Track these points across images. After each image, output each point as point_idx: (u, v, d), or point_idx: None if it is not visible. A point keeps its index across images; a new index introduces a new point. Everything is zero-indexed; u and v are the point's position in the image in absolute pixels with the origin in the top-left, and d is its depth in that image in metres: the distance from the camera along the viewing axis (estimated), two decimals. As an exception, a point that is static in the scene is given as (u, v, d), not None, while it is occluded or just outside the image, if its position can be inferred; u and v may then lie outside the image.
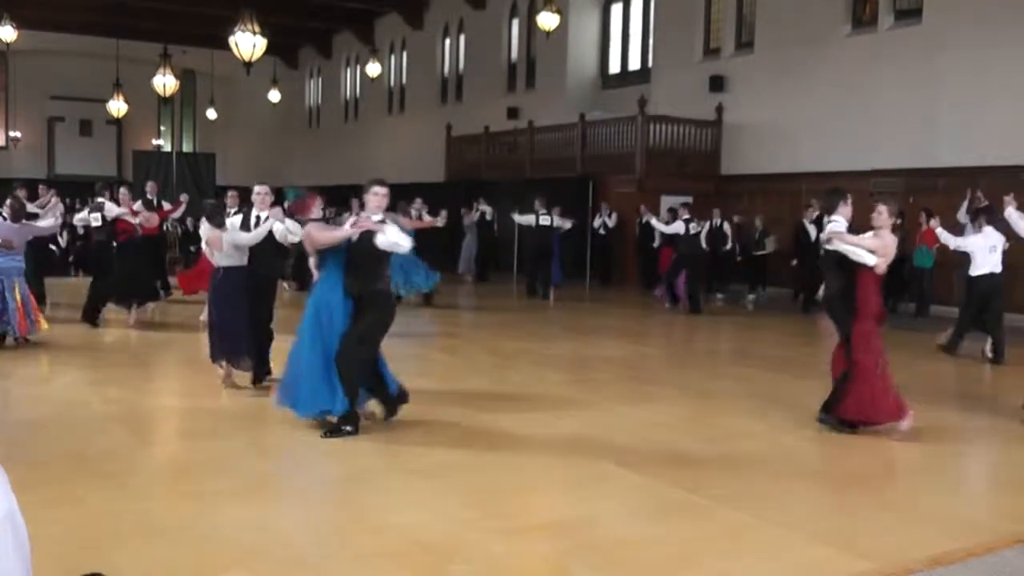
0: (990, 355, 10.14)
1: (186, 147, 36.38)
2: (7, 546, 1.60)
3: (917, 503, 5.20)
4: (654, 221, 15.80)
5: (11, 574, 1.63)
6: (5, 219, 9.65)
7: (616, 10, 22.97)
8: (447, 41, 28.02)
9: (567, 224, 16.94)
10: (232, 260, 7.45)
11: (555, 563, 4.18)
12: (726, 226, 17.58)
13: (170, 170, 29.46)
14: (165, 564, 3.99)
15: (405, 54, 29.86)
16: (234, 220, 7.77)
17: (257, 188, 7.85)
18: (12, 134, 33.96)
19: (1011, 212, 9.59)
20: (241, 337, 7.45)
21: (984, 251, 10.00)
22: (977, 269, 10.04)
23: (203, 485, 5.16)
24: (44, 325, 9.78)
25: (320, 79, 35.82)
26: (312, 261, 6.62)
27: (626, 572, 4.04)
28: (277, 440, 6.38)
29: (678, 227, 15.01)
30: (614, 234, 19.29)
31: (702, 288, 15.44)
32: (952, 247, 10.54)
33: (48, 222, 11.24)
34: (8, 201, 9.91)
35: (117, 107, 26.86)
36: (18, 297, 9.33)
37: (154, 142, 35.60)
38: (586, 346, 11.32)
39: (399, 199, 18.01)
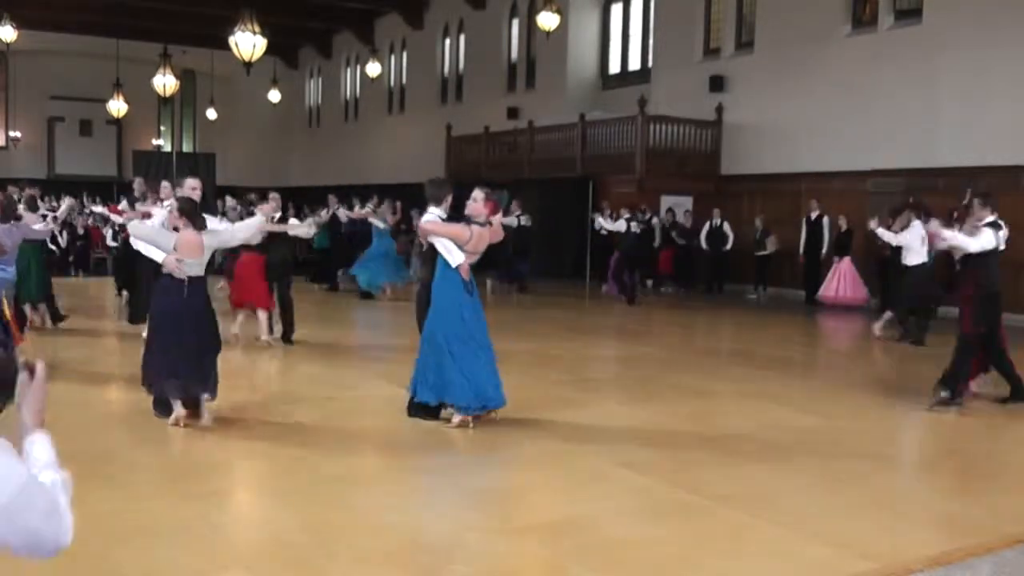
0: (893, 333, 11.71)
1: (186, 147, 36.37)
2: (33, 511, 1.73)
3: (917, 503, 5.20)
4: (599, 219, 16.55)
5: (40, 535, 1.77)
6: None
7: (616, 10, 22.96)
8: (447, 41, 28.02)
9: (528, 222, 17.91)
10: (200, 269, 6.36)
11: (555, 563, 4.18)
12: (726, 226, 17.65)
13: (170, 170, 29.46)
14: (165, 564, 3.99)
15: (405, 54, 29.85)
16: (155, 221, 7.08)
17: (191, 181, 7.15)
18: (12, 134, 33.95)
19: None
20: (210, 360, 6.43)
21: (917, 243, 11.17)
22: (912, 260, 11.27)
23: (203, 485, 5.16)
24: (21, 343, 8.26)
25: (320, 79, 35.80)
26: (462, 260, 6.47)
27: (626, 572, 4.04)
28: (276, 440, 6.38)
29: (620, 226, 16.04)
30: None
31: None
32: (893, 243, 11.58)
33: (42, 224, 10.37)
34: None
35: (117, 107, 26.87)
36: (6, 311, 7.98)
37: (154, 142, 35.59)
38: (586, 346, 11.32)
39: (399, 199, 18.33)
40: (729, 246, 17.66)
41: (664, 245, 18.46)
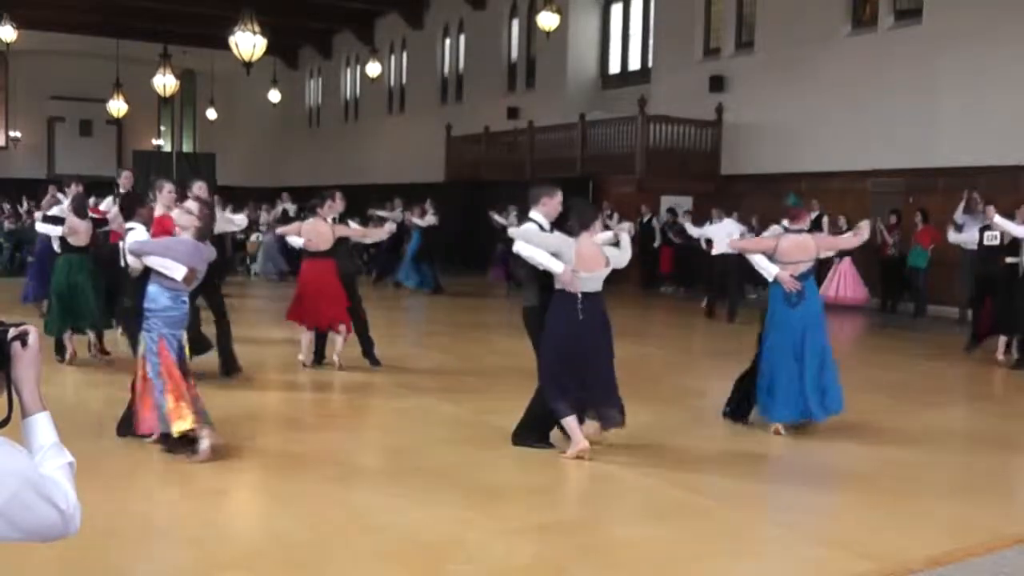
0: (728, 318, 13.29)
1: (186, 147, 36.35)
2: (37, 507, 1.69)
3: (917, 503, 5.20)
4: (496, 217, 17.40)
5: (47, 527, 1.72)
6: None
7: (616, 10, 22.96)
8: (447, 41, 28.01)
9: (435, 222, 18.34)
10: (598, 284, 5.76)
11: (555, 563, 4.18)
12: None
13: (170, 170, 29.45)
14: (165, 564, 3.99)
15: (405, 54, 29.84)
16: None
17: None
18: (12, 134, 33.94)
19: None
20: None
21: (723, 237, 12.33)
22: (718, 250, 12.86)
23: (203, 485, 5.16)
24: (187, 420, 5.51)
25: (320, 79, 35.79)
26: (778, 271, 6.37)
27: (626, 572, 4.04)
28: (276, 440, 6.37)
29: (512, 221, 18.22)
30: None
31: None
32: (695, 235, 14.58)
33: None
34: (191, 204, 6.06)
35: (117, 107, 26.86)
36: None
37: (154, 142, 35.57)
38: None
39: (400, 199, 18.32)
40: (728, 245, 17.69)
41: (664, 245, 18.47)
